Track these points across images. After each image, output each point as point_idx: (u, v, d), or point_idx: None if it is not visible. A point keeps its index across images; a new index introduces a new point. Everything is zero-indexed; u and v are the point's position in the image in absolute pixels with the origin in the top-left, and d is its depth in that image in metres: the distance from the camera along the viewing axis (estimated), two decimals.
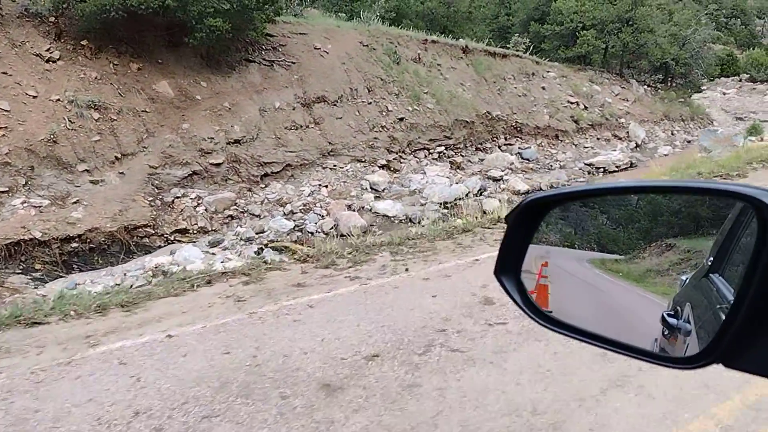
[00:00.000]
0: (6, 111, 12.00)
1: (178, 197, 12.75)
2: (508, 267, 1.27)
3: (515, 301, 1.27)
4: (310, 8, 23.38)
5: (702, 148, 21.00)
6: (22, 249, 10.23)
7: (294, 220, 13.24)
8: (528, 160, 21.35)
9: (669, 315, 1.18)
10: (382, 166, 16.76)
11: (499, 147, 21.50)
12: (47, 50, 13.68)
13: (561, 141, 23.61)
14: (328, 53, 18.44)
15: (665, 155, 23.79)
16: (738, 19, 65.18)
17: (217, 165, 13.88)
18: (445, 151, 18.90)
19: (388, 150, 17.31)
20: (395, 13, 29.18)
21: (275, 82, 16.55)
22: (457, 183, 16.89)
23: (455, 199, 15.69)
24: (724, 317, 0.97)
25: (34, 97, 12.63)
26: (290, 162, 15.14)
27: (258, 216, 13.18)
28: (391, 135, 17.56)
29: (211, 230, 12.54)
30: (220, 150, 14.08)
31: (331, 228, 13.30)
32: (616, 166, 21.27)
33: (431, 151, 18.53)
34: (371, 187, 15.61)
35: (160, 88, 14.61)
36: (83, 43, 14.24)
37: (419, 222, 13.46)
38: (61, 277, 10.33)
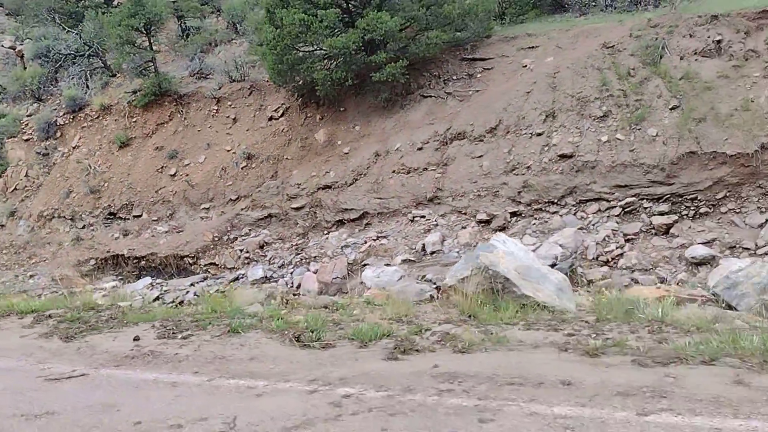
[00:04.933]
0: (200, 163, 17.41)
1: (242, 236, 15.11)
2: None
3: None
4: None
5: None
6: (119, 261, 15.79)
7: (283, 271, 13.36)
8: None
9: None
10: (482, 222, 12.84)
11: None
12: (275, 110, 17.97)
13: None
14: (532, 71, 14.60)
15: None
16: None
17: (297, 209, 15.01)
18: (648, 206, 11.90)
19: (514, 200, 12.81)
20: None
21: (428, 118, 15.09)
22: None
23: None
24: None
25: (228, 150, 17.44)
26: (369, 210, 14.20)
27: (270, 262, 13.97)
28: (526, 180, 12.79)
29: (232, 268, 14.44)
30: (305, 195, 15.03)
31: (296, 286, 12.80)
32: None
33: (612, 203, 12.15)
34: (422, 248, 12.73)
35: (318, 136, 16.54)
36: (299, 101, 17.70)
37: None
38: (130, 282, 15.38)
